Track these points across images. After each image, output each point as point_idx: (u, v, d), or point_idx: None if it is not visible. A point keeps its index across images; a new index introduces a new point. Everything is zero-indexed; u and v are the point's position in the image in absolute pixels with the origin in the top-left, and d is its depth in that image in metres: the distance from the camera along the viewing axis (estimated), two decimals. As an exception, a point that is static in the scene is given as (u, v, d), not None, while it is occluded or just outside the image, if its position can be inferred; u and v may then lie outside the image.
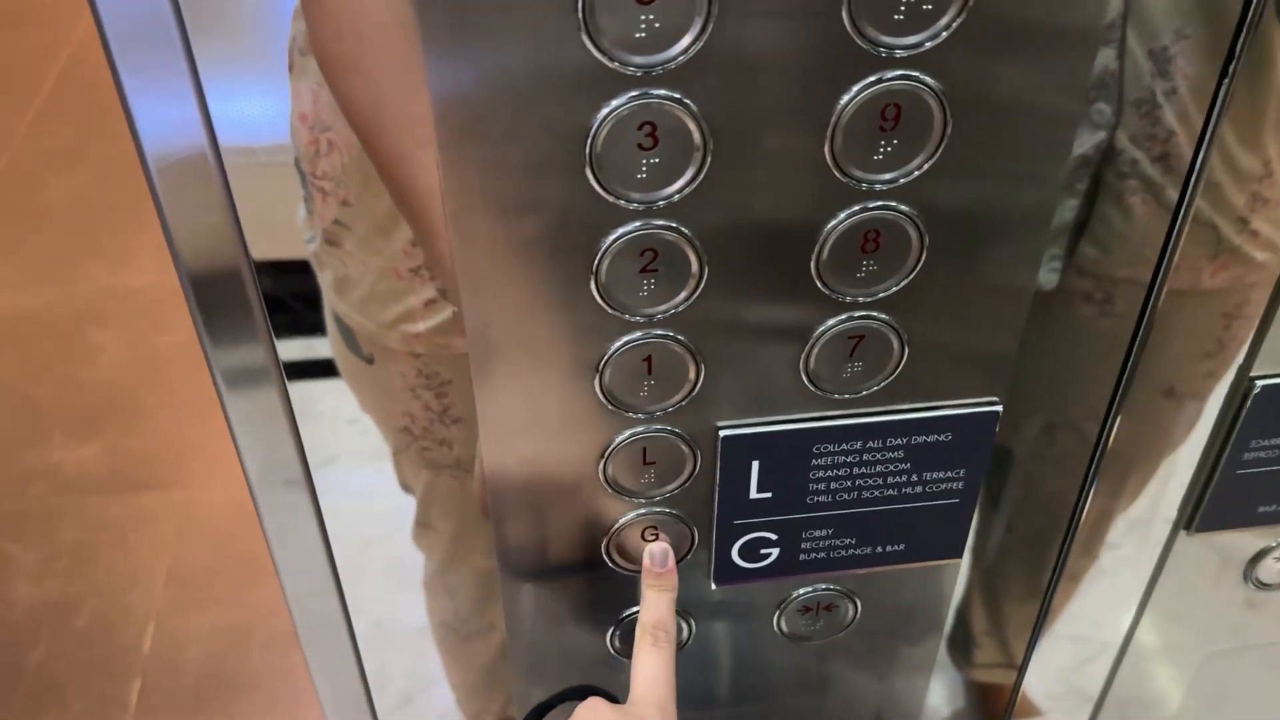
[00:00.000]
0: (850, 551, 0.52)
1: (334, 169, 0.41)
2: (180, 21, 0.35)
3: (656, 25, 0.36)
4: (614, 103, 0.38)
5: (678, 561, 0.52)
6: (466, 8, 0.35)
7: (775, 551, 0.52)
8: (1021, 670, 0.66)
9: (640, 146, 0.39)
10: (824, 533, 0.52)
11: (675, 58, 0.37)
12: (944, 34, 0.38)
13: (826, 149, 0.40)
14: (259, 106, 0.37)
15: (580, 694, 0.53)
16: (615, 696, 0.51)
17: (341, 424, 0.49)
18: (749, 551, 0.52)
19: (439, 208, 0.40)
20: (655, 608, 0.51)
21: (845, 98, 0.39)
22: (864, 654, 0.61)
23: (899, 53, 0.38)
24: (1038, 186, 0.42)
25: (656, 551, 0.51)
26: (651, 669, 0.49)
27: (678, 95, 0.38)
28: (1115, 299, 0.47)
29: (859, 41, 0.38)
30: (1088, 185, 0.43)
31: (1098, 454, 0.53)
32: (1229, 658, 0.70)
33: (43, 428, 1.93)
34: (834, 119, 0.39)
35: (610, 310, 0.43)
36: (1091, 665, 0.68)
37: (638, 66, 0.37)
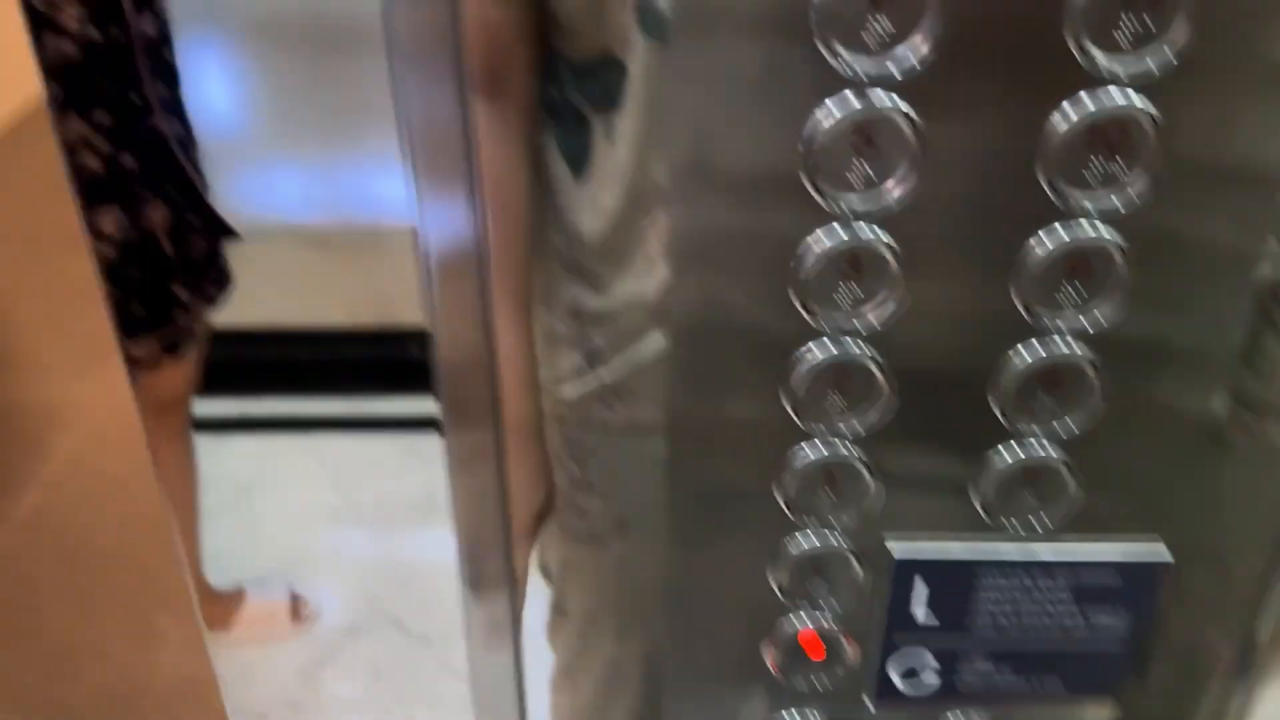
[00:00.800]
0: (1009, 683, 0.53)
1: None
2: (467, 137, 0.42)
3: (868, 170, 0.41)
4: (823, 236, 0.43)
5: (839, 675, 0.54)
6: (708, 167, 0.42)
7: (936, 677, 0.53)
8: None
9: (842, 274, 0.44)
10: (985, 662, 0.53)
11: (883, 201, 0.42)
12: (1136, 200, 0.42)
13: (1013, 290, 0.44)
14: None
15: None
16: None
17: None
18: (909, 674, 0.53)
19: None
20: None
21: (1033, 244, 0.43)
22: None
23: (1087, 206, 0.42)
24: (1216, 327, 0.44)
25: None
26: None
27: (882, 233, 0.43)
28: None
29: (1050, 196, 0.42)
30: (1265, 318, 0.46)
31: (1259, 601, 0.53)
32: None
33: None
34: (1021, 264, 0.43)
35: (799, 421, 0.47)
36: None
37: (848, 207, 0.42)
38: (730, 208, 0.43)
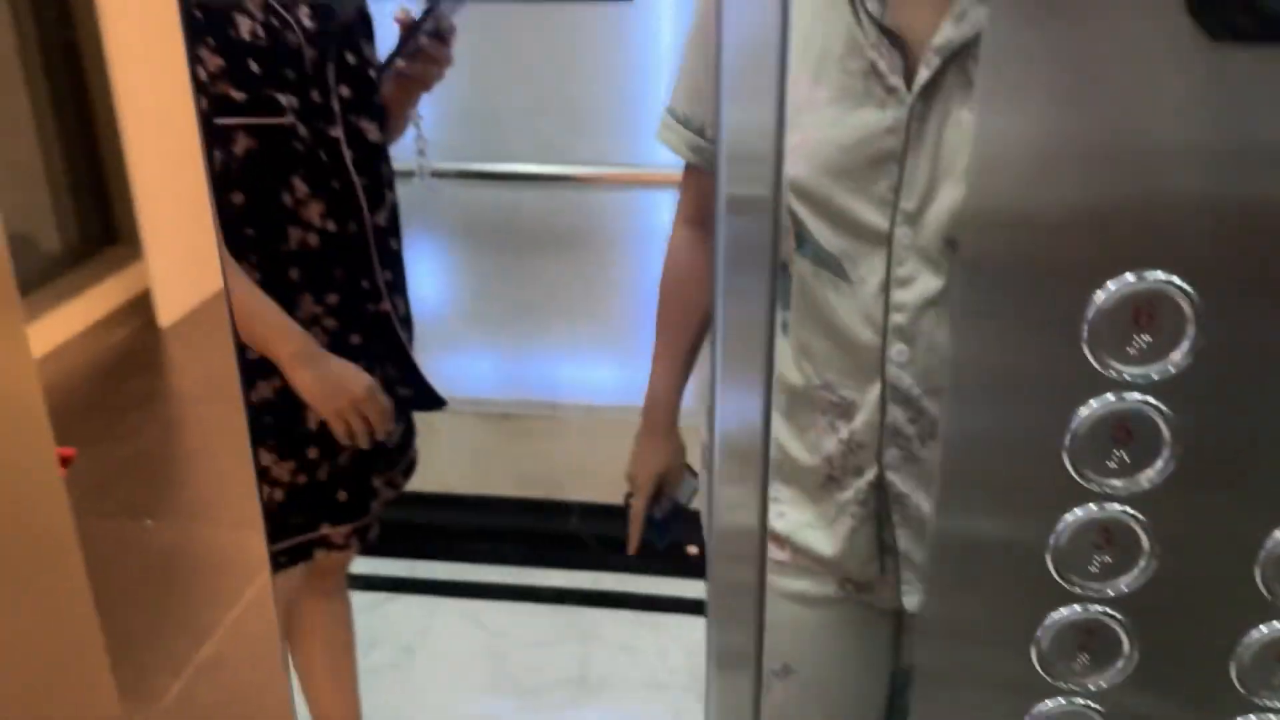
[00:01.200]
0: None
1: None
2: (770, 336, 0.50)
3: (1126, 460, 0.47)
4: (1078, 512, 0.49)
5: None
6: (980, 440, 0.48)
7: None
8: None
9: (1095, 546, 0.49)
10: None
11: (1138, 486, 0.48)
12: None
13: (1257, 574, 0.48)
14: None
15: None
16: None
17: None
18: None
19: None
20: None
21: (1278, 534, 0.48)
22: None
23: (1332, 506, 0.47)
24: None
25: None
26: None
27: (1135, 512, 0.48)
28: None
29: (1295, 492, 0.47)
30: None
31: None
32: None
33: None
34: (1270, 547, 0.48)
35: (1041, 673, 0.52)
36: None
37: (1105, 486, 0.48)
38: (994, 471, 0.49)
